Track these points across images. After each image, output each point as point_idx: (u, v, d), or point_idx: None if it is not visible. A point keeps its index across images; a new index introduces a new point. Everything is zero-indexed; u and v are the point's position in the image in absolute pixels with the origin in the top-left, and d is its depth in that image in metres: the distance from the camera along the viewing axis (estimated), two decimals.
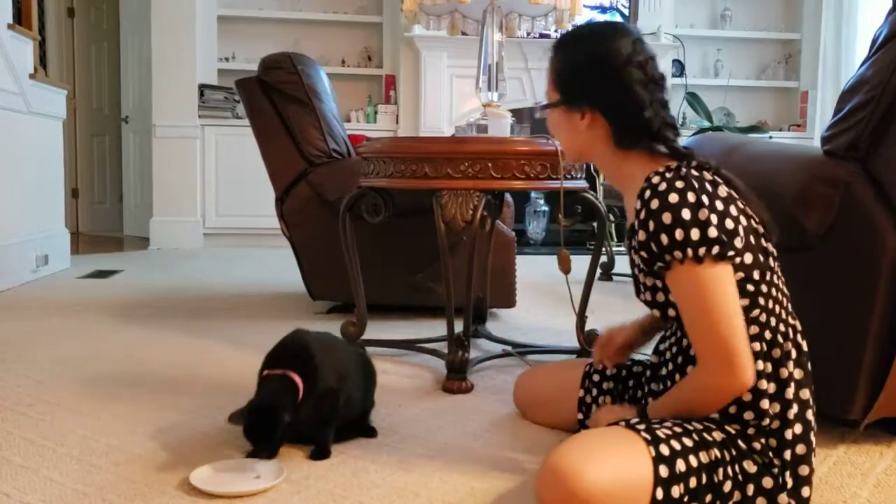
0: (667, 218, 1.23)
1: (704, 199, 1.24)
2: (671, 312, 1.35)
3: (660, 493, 1.19)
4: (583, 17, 2.37)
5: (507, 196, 3.10)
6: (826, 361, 1.65)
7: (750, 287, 1.28)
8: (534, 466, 1.54)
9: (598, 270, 2.42)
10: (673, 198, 1.24)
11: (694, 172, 1.28)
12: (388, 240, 2.90)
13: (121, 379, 2.16)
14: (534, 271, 4.25)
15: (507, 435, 1.75)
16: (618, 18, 6.13)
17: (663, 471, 1.19)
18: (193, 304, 3.38)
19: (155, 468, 1.52)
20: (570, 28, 1.46)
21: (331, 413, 1.59)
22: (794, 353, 1.31)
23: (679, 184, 1.25)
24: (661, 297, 1.35)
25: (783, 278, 1.37)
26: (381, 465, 1.55)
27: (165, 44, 5.63)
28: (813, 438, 1.32)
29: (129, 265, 4.69)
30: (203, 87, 5.74)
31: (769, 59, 6.66)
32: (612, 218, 4.21)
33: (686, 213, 1.23)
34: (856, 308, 1.58)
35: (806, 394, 1.32)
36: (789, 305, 1.35)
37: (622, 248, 6.01)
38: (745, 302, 1.28)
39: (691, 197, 1.23)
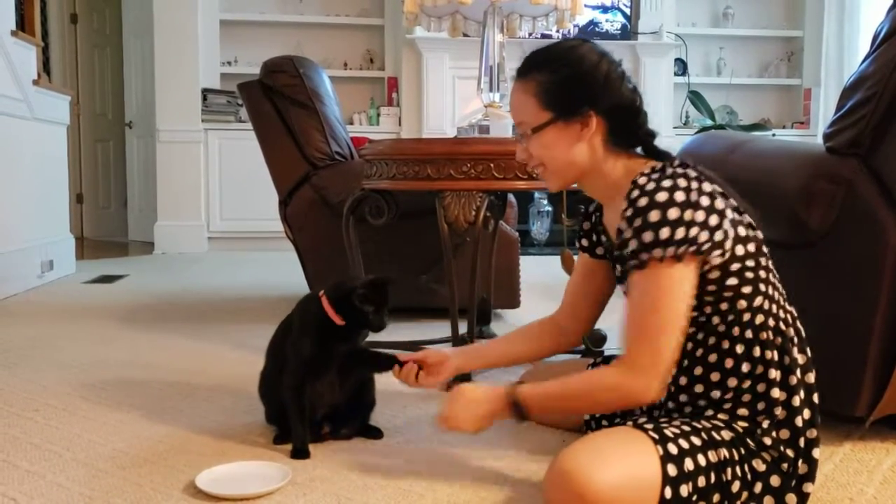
0: (654, 216, 1.23)
1: (693, 196, 1.24)
2: None
3: (668, 493, 1.19)
4: (584, 16, 2.37)
5: (510, 196, 3.10)
6: (830, 358, 1.65)
7: (749, 274, 1.29)
8: (539, 467, 1.54)
9: None
10: (661, 196, 1.23)
11: (679, 170, 1.28)
12: (392, 241, 2.90)
13: (126, 383, 2.17)
14: (538, 272, 4.24)
15: (511, 436, 1.75)
16: (619, 19, 6.13)
17: (672, 469, 1.20)
18: (198, 308, 3.38)
19: (161, 472, 1.52)
20: (531, 53, 1.44)
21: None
22: (796, 339, 1.33)
23: (667, 182, 1.25)
24: None
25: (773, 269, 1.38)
26: (385, 467, 1.55)
27: (168, 48, 5.64)
28: (818, 421, 1.33)
29: (134, 270, 4.70)
30: (206, 92, 5.75)
31: (771, 57, 6.65)
32: None
33: (674, 213, 1.23)
34: (859, 304, 1.58)
35: (811, 378, 1.33)
36: (782, 291, 1.37)
37: None
38: (749, 289, 1.29)
39: (679, 196, 1.23)
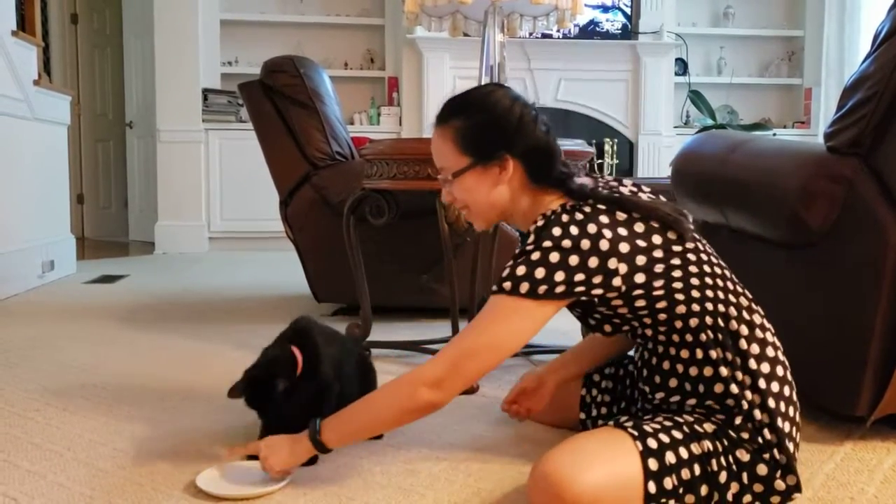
0: (535, 255, 1.28)
1: (565, 243, 1.27)
2: (607, 328, 1.40)
3: (652, 487, 1.20)
4: (584, 16, 2.37)
5: None
6: (831, 357, 1.65)
7: (658, 292, 1.31)
8: None
9: None
10: (547, 243, 1.28)
11: (578, 216, 1.30)
12: (392, 241, 2.90)
13: (127, 383, 2.17)
14: None
15: (512, 435, 1.75)
16: (620, 18, 6.13)
17: (652, 464, 1.21)
18: (199, 308, 3.39)
19: (161, 472, 1.52)
20: (448, 100, 1.50)
21: (323, 407, 1.58)
22: (745, 330, 1.33)
23: (556, 230, 1.29)
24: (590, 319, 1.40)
25: (717, 263, 1.37)
26: (386, 467, 1.56)
27: (169, 48, 5.64)
28: (795, 397, 1.34)
29: (135, 270, 4.70)
30: (206, 92, 5.76)
31: (772, 57, 6.64)
32: None
33: (536, 255, 1.28)
34: (860, 304, 1.58)
35: (766, 367, 1.32)
36: (730, 284, 1.36)
37: None
38: (663, 304, 1.32)
39: (566, 243, 1.27)
